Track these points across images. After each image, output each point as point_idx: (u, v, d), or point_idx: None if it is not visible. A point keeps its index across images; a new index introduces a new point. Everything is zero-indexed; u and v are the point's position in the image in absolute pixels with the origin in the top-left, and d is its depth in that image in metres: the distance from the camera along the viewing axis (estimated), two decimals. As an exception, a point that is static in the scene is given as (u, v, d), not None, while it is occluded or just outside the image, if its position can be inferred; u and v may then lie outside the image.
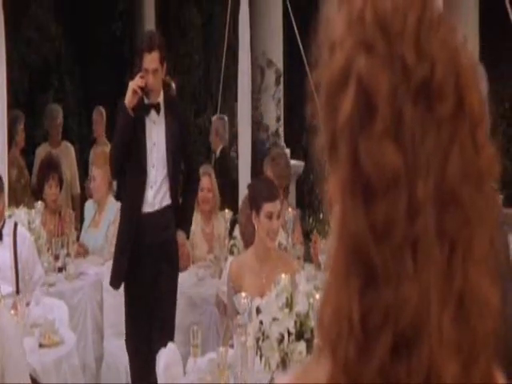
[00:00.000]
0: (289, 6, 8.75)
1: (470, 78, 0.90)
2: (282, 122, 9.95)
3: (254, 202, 4.70)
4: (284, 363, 3.77)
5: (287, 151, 8.85)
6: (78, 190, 8.91)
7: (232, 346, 4.15)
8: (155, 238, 5.36)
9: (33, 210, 6.38)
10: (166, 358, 4.15)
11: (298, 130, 10.07)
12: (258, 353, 3.82)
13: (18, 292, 5.17)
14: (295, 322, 3.76)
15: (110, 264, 5.64)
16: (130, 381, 5.52)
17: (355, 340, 0.87)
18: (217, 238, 6.63)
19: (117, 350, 5.72)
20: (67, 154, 8.86)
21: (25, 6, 11.39)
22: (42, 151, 8.68)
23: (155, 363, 4.19)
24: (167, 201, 5.41)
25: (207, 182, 6.60)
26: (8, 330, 3.23)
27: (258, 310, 3.86)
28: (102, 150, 7.82)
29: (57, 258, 6.26)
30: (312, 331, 3.74)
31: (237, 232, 6.07)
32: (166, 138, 5.39)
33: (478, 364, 0.90)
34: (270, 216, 4.62)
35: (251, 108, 7.47)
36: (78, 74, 12.19)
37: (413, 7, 0.89)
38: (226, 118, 9.27)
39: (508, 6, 6.97)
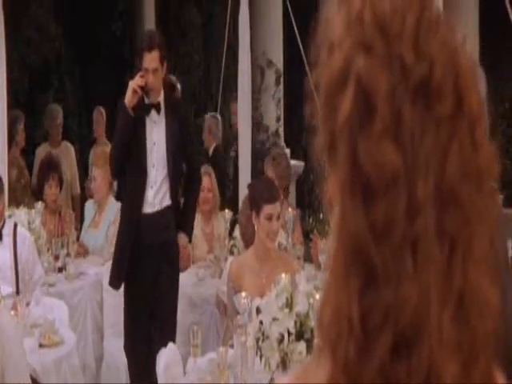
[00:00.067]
0: (289, 5, 8.75)
1: (469, 78, 0.90)
2: (281, 122, 9.94)
3: (254, 203, 4.70)
4: (284, 363, 3.77)
5: (287, 151, 8.85)
6: (78, 190, 8.91)
7: (232, 346, 4.15)
8: (155, 238, 5.35)
9: (33, 210, 6.39)
10: (166, 358, 4.15)
11: (298, 130, 10.08)
12: (258, 353, 3.82)
13: (18, 292, 5.17)
14: (295, 322, 3.76)
15: (109, 264, 5.64)
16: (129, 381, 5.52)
17: (355, 340, 0.87)
18: (217, 238, 6.63)
19: (117, 350, 5.72)
20: (67, 154, 8.86)
21: (25, 5, 11.40)
22: (42, 151, 8.68)
23: (155, 363, 4.19)
24: (167, 201, 5.40)
25: (207, 182, 6.60)
26: (8, 330, 3.23)
27: (258, 310, 3.86)
28: (102, 150, 7.83)
29: (57, 258, 6.26)
30: (312, 331, 3.74)
31: (237, 232, 6.07)
32: (167, 137, 5.38)
33: (477, 364, 0.90)
34: (269, 218, 4.62)
35: (251, 108, 7.47)
36: (78, 74, 12.19)
37: (411, 8, 0.89)
38: (219, 117, 9.28)
39: (508, 5, 6.97)
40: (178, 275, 5.48)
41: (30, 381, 3.44)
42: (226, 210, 6.73)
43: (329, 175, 0.91)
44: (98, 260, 6.61)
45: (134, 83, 5.30)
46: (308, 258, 6.28)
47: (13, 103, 8.14)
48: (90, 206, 7.14)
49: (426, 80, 0.88)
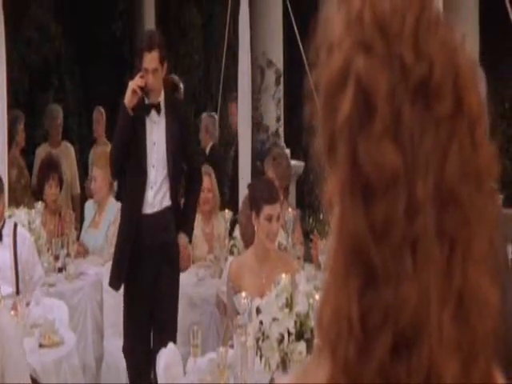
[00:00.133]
0: (289, 6, 8.74)
1: (469, 78, 0.91)
2: (281, 122, 9.94)
3: (254, 203, 4.70)
4: (284, 363, 3.77)
5: (287, 151, 8.85)
6: (78, 191, 8.91)
7: (232, 346, 4.15)
8: (155, 238, 5.35)
9: (33, 211, 6.39)
10: (166, 358, 4.15)
11: (298, 130, 10.07)
12: (258, 353, 3.82)
13: (18, 292, 5.17)
14: (295, 322, 3.76)
15: (109, 264, 5.64)
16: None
17: (355, 340, 0.87)
18: (217, 238, 6.64)
19: (117, 350, 5.71)
20: (67, 154, 8.86)
21: (25, 5, 11.40)
22: (42, 151, 8.68)
23: (155, 363, 4.19)
24: (167, 202, 5.39)
25: (207, 182, 6.59)
26: (8, 330, 3.23)
27: (258, 310, 3.86)
28: (102, 150, 7.83)
29: (57, 258, 6.26)
30: (312, 331, 3.74)
31: (237, 232, 6.07)
32: (167, 138, 5.37)
33: (477, 363, 0.90)
34: (269, 218, 4.62)
35: (251, 108, 7.47)
36: (77, 74, 12.19)
37: (411, 8, 0.89)
38: (216, 116, 9.28)
39: (508, 5, 6.96)
40: (179, 276, 5.47)
41: (30, 381, 3.44)
42: (226, 210, 6.73)
43: (329, 175, 0.91)
44: (98, 260, 6.61)
45: (134, 83, 5.30)
46: (308, 258, 6.28)
47: (13, 103, 8.14)
48: (90, 206, 7.14)
49: (425, 80, 0.88)
